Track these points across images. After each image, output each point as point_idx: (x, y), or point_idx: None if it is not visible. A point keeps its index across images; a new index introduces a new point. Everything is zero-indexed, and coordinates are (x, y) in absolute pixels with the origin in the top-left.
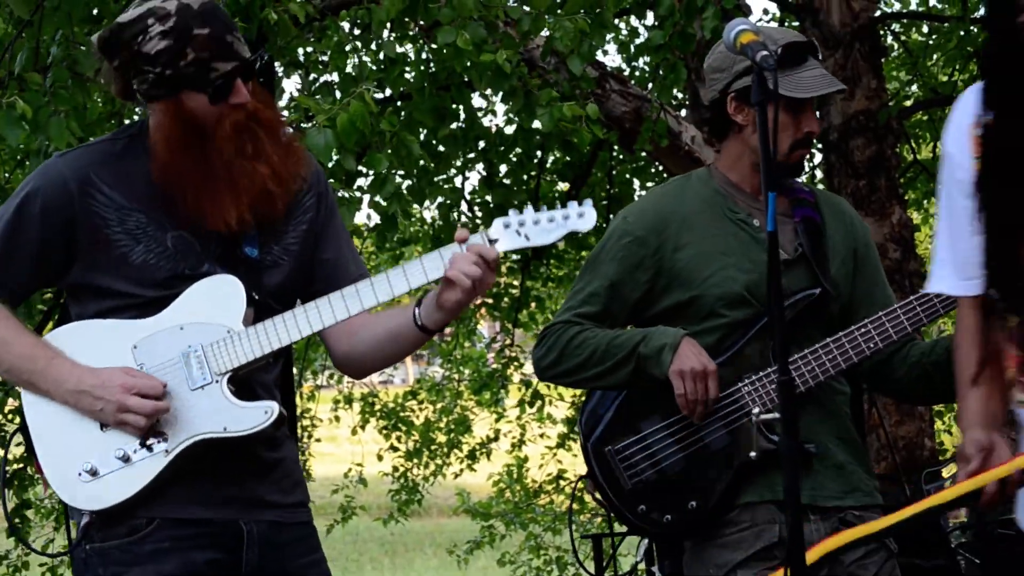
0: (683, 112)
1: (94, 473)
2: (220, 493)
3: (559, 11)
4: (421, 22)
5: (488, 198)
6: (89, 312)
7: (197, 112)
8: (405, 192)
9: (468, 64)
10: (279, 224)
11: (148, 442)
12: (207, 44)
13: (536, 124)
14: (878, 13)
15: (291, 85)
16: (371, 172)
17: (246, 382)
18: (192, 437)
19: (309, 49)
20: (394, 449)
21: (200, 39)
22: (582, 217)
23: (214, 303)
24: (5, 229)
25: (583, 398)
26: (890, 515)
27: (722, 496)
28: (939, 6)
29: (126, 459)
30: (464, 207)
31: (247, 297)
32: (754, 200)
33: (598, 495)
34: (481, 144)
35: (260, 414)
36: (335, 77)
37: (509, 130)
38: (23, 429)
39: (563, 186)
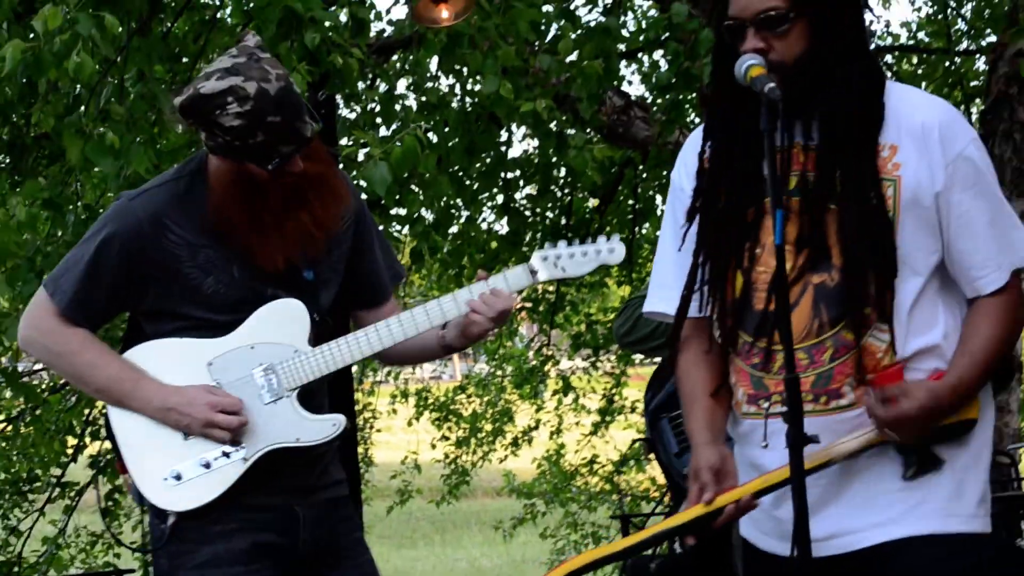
0: None
1: (178, 478)
2: (278, 483)
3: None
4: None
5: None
6: (164, 331)
7: (254, 175)
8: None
9: (506, 109)
10: (327, 247)
11: (227, 450)
12: (276, 130)
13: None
14: (872, 46)
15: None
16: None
17: (307, 391)
18: (268, 446)
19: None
20: (445, 438)
21: (271, 125)
22: (612, 252)
23: (281, 325)
24: (86, 270)
25: (614, 390)
26: (625, 538)
27: None
28: (926, 40)
29: (207, 465)
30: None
31: (310, 319)
32: None
33: (652, 456)
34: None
35: (329, 427)
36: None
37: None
38: (108, 433)
39: (593, 201)
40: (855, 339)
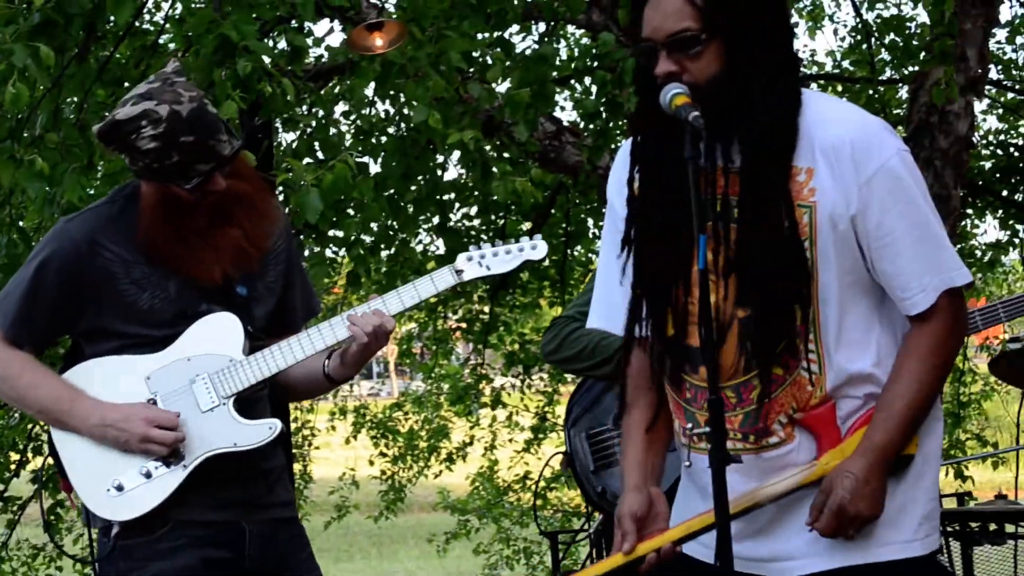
0: None
1: (120, 488)
2: (225, 497)
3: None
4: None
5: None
6: (103, 350)
7: (178, 194)
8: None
9: (439, 136)
10: (261, 266)
11: (167, 459)
12: (191, 149)
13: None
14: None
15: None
16: (340, 232)
17: (246, 401)
18: (207, 452)
19: (303, 108)
20: (383, 455)
21: (185, 145)
22: (535, 249)
23: (216, 337)
24: (27, 290)
25: (546, 408)
26: None
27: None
28: (851, 69)
29: (148, 475)
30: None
31: (243, 330)
32: None
33: (569, 471)
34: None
35: (265, 430)
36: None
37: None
38: (51, 450)
39: (526, 225)
40: (762, 378)
